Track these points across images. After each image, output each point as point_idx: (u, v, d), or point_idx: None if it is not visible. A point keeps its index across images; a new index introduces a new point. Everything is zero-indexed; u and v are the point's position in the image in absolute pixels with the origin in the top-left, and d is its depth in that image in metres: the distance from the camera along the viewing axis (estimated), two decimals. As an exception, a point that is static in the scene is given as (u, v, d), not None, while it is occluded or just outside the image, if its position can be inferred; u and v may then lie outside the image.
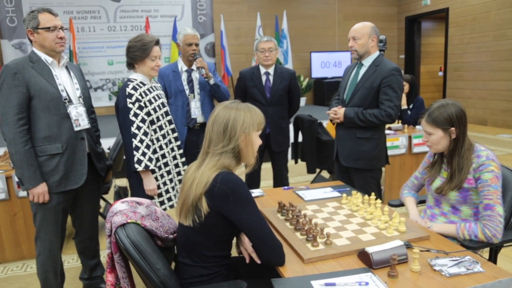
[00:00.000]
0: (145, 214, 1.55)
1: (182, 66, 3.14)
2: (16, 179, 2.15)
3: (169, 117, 2.50)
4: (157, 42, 2.38)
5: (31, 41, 2.13)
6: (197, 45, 3.06)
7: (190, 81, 3.12)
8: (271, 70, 3.33)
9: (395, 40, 9.57)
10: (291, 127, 3.67)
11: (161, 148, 2.44)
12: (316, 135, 4.03)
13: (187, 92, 3.10)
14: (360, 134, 2.71)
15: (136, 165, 2.29)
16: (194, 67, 3.13)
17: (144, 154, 2.30)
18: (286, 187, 2.50)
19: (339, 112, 2.72)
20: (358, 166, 2.74)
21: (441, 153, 1.97)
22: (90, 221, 2.49)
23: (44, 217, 2.17)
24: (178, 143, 2.60)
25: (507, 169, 1.97)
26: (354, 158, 2.74)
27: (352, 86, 2.75)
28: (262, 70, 3.34)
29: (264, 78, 3.33)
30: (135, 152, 2.29)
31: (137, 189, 2.42)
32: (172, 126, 2.54)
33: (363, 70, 2.72)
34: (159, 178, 2.44)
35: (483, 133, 6.81)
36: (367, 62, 2.70)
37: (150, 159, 2.32)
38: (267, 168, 3.53)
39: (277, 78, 3.32)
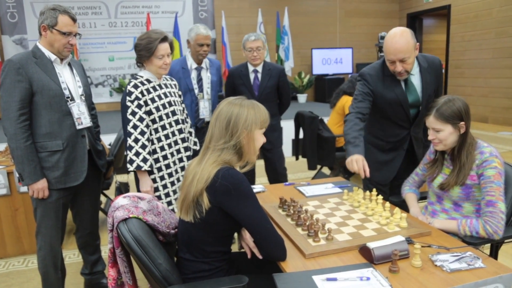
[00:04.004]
0: (146, 209, 1.55)
1: (191, 64, 3.03)
2: (17, 175, 2.15)
3: (176, 117, 2.35)
4: (164, 39, 2.22)
5: (40, 34, 2.10)
6: (208, 45, 2.97)
7: (199, 80, 3.05)
8: (259, 68, 3.28)
9: (397, 37, 9.55)
10: (284, 124, 3.67)
11: (162, 149, 2.31)
12: (317, 131, 4.03)
13: (196, 91, 3.03)
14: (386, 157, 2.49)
15: (128, 165, 2.20)
16: (203, 65, 3.07)
17: (137, 154, 2.19)
18: (287, 183, 2.50)
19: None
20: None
21: (442, 151, 1.96)
22: (90, 217, 2.49)
23: (44, 212, 2.18)
24: (186, 144, 2.46)
25: (509, 166, 1.96)
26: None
27: (414, 101, 2.32)
28: (251, 68, 3.29)
29: (252, 76, 3.29)
30: (128, 152, 2.19)
31: (139, 185, 2.40)
32: (180, 126, 2.39)
33: (417, 79, 2.31)
34: (158, 179, 2.32)
35: (484, 130, 6.80)
36: (414, 70, 2.30)
37: (144, 160, 2.20)
38: (261, 165, 3.50)
39: (265, 76, 3.27)
